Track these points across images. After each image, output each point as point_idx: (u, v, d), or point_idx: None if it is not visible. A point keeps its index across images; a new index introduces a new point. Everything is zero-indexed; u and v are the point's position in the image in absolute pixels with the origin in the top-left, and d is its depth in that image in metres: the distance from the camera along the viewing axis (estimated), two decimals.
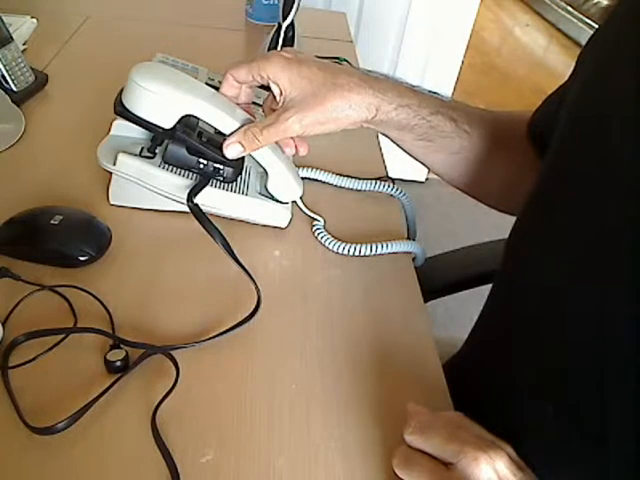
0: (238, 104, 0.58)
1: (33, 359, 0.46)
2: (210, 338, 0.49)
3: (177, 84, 0.54)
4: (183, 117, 0.54)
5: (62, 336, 0.47)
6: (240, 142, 0.54)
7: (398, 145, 0.62)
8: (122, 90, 0.55)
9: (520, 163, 0.61)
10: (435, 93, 0.61)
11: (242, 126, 0.55)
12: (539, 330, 0.46)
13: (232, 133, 0.55)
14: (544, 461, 0.41)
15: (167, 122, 0.54)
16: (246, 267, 0.53)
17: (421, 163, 0.64)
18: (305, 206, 0.64)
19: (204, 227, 0.53)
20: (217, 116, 0.55)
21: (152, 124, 0.54)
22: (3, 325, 0.47)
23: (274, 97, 0.55)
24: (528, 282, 0.48)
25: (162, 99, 0.53)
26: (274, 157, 0.58)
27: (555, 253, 0.45)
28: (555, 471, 0.43)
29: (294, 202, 0.63)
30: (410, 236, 0.71)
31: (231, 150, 0.54)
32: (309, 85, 0.52)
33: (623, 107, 0.40)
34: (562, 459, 0.44)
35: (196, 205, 0.55)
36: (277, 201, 0.61)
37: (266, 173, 0.59)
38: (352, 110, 0.53)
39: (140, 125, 0.55)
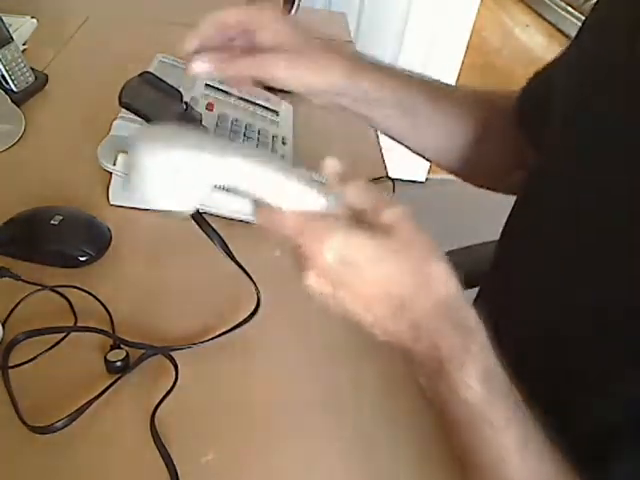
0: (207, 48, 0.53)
1: (33, 359, 0.46)
2: (210, 339, 0.49)
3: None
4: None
5: (62, 335, 0.47)
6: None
7: (384, 132, 0.62)
8: (124, 86, 0.55)
9: (509, 146, 0.62)
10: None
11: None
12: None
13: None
14: None
15: None
16: (245, 268, 0.53)
17: (415, 151, 0.64)
18: None
19: (202, 229, 0.53)
20: None
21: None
22: (3, 325, 0.47)
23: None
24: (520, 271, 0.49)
25: None
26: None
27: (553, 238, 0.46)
28: None
29: None
30: None
31: (194, 68, 0.49)
32: (297, 38, 0.53)
33: (616, 58, 0.41)
34: None
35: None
36: None
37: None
38: (332, 68, 0.54)
39: (144, 117, 0.55)
